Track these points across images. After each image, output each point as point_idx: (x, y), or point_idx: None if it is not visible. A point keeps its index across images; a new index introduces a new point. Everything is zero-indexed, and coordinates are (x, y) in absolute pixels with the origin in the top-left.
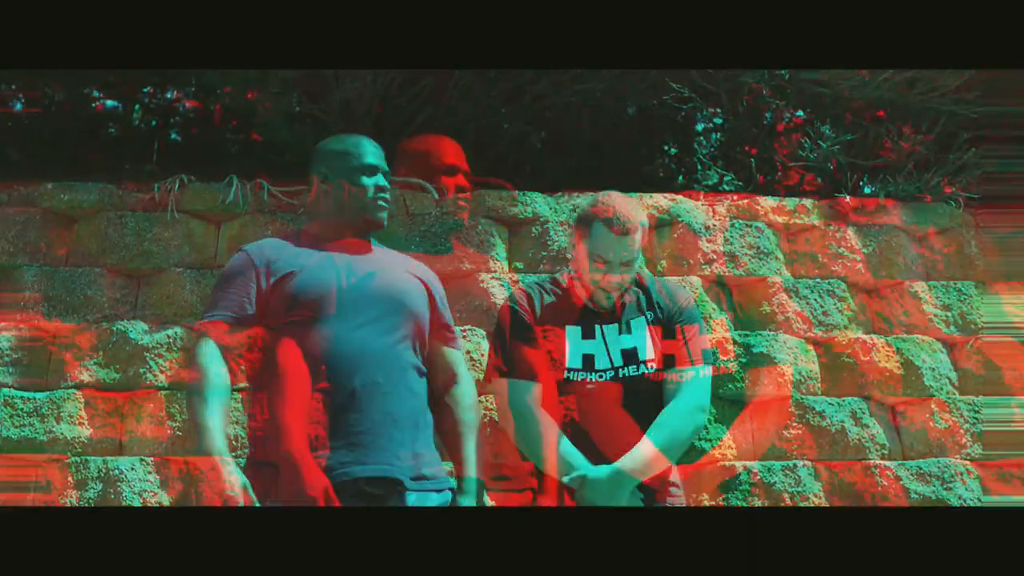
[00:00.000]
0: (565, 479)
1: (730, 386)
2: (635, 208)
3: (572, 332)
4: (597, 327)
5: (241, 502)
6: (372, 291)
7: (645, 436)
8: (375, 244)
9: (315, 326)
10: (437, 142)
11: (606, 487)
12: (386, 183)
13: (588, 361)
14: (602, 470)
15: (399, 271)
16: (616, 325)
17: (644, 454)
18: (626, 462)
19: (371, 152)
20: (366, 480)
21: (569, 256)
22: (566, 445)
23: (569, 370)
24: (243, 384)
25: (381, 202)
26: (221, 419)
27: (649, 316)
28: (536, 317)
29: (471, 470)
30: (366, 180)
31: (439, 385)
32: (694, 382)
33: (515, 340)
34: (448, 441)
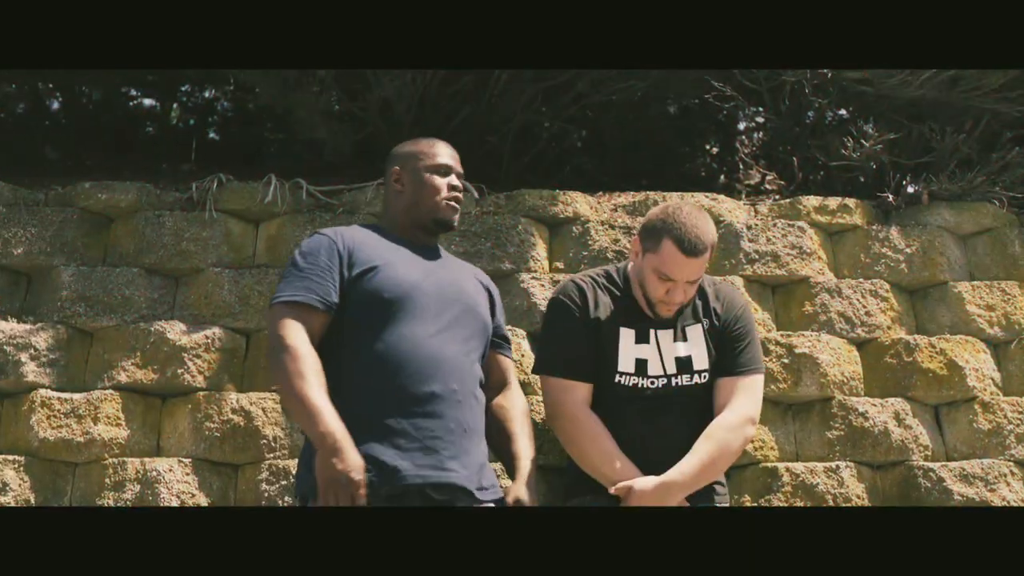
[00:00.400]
0: (611, 489)
1: (771, 387)
2: (707, 225)
3: (626, 335)
4: (652, 332)
5: (363, 489)
6: (450, 297)
7: (694, 448)
8: (439, 248)
9: (392, 325)
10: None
11: (653, 498)
12: (459, 184)
13: (641, 366)
14: (649, 481)
15: (470, 279)
16: (671, 331)
17: (692, 466)
18: (674, 474)
19: (445, 153)
20: (438, 486)
21: (630, 263)
22: (616, 451)
23: (621, 374)
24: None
25: (453, 203)
26: (327, 398)
27: (705, 323)
28: (589, 314)
29: (524, 470)
30: (438, 180)
31: (490, 391)
32: (746, 393)
33: (567, 337)
34: (499, 442)
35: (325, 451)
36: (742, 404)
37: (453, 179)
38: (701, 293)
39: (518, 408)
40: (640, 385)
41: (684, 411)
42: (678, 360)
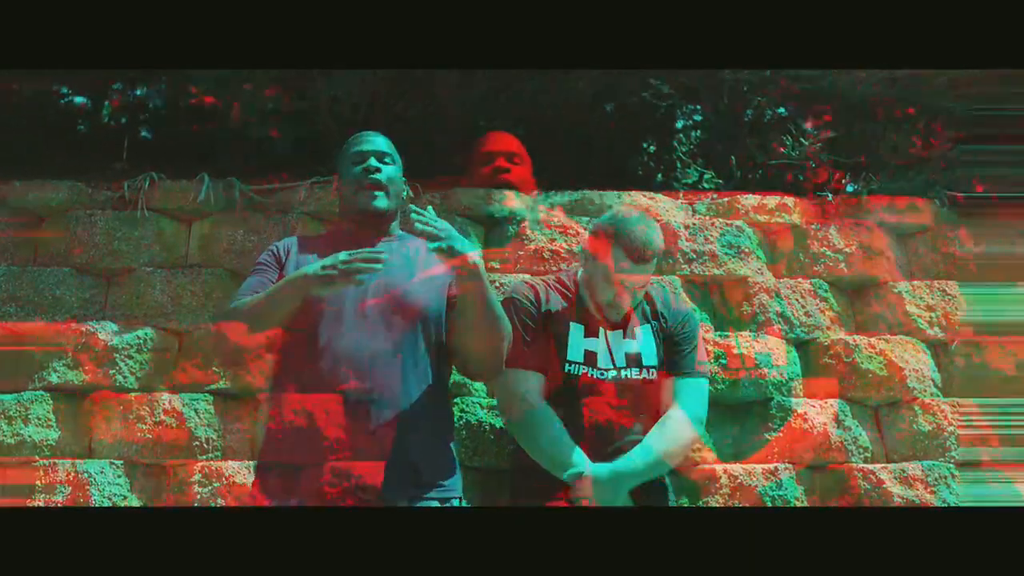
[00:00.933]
0: (563, 475)
1: (710, 388)
2: (655, 232)
3: (575, 329)
4: (601, 329)
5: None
6: (378, 294)
7: (645, 440)
8: (404, 237)
9: (321, 329)
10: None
11: (604, 486)
12: (378, 165)
13: (590, 357)
14: (602, 469)
15: (417, 267)
16: (620, 331)
17: (644, 457)
18: (626, 463)
19: (364, 141)
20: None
21: (581, 265)
22: (567, 440)
23: (570, 363)
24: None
25: (369, 188)
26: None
27: (654, 324)
28: (541, 311)
29: None
30: (355, 169)
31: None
32: (693, 393)
33: (520, 329)
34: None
35: (294, 284)
36: (690, 402)
37: (371, 162)
38: (649, 298)
39: None
40: (589, 375)
41: (633, 405)
42: (627, 356)
